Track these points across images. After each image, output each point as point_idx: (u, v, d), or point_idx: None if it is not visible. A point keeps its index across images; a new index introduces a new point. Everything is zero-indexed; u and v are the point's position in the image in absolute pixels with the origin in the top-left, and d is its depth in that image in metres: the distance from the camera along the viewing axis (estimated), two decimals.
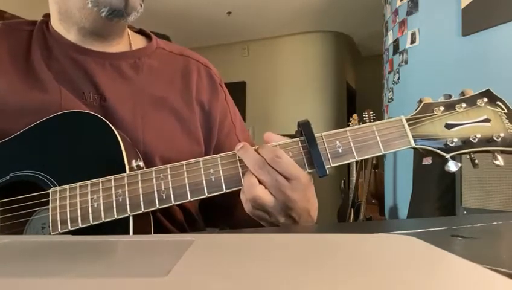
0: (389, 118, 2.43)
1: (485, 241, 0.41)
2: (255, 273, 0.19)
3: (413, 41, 2.40)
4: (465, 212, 1.46)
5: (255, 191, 0.45)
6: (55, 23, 0.61)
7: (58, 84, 0.56)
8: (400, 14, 2.54)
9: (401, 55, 2.52)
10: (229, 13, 4.05)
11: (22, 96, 0.55)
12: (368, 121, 2.88)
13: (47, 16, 0.64)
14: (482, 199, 1.41)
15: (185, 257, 0.22)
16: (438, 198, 1.86)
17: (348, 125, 3.31)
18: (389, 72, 2.74)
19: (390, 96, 2.71)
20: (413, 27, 2.40)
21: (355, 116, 3.16)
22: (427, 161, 1.97)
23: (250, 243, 0.28)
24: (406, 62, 2.47)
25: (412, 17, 2.42)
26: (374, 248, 0.26)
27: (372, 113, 2.89)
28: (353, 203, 3.00)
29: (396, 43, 2.59)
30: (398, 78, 2.57)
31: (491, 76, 1.91)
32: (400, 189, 2.59)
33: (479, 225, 0.51)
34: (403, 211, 2.46)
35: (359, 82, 5.58)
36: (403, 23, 2.49)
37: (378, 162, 3.26)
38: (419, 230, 0.46)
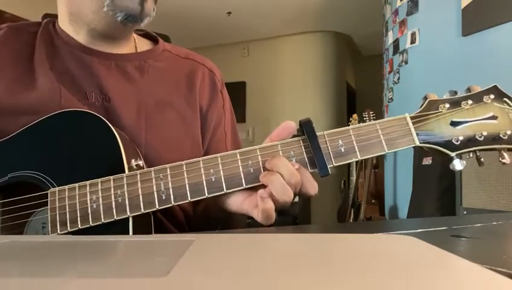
0: None
1: (485, 241, 0.41)
2: (255, 273, 0.19)
3: (413, 41, 2.40)
4: (465, 212, 1.46)
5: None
6: (64, 24, 0.61)
7: (58, 84, 0.56)
8: (399, 14, 2.54)
9: (401, 55, 2.52)
10: (229, 13, 4.05)
11: (19, 96, 0.54)
12: (368, 121, 2.88)
13: (48, 16, 0.64)
14: (482, 199, 1.41)
15: (185, 257, 0.22)
16: (438, 198, 1.86)
17: (348, 125, 3.32)
18: (389, 72, 2.74)
19: (390, 96, 2.71)
20: (413, 27, 2.40)
21: (355, 116, 3.16)
22: (427, 161, 1.97)
23: (250, 243, 0.28)
24: (406, 62, 2.47)
25: (412, 17, 2.42)
26: (374, 248, 0.26)
27: (372, 113, 2.89)
28: (353, 203, 3.00)
29: (396, 43, 2.59)
30: (398, 78, 2.57)
31: (491, 76, 1.91)
32: (400, 189, 2.59)
33: (479, 225, 0.51)
34: (403, 211, 2.46)
35: (359, 82, 5.58)
36: (403, 23, 2.49)
37: (378, 162, 3.26)
38: (419, 230, 0.46)
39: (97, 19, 0.57)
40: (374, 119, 2.85)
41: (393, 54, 2.63)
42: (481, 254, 0.35)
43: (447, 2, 2.17)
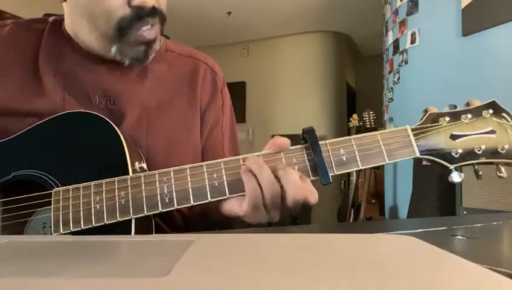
0: (389, 118, 2.40)
1: (485, 241, 0.41)
2: (254, 273, 0.19)
3: (413, 41, 2.40)
4: (465, 212, 1.46)
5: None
6: (69, 28, 0.60)
7: (62, 88, 0.56)
8: (399, 14, 2.54)
9: (401, 55, 2.52)
10: (229, 13, 4.05)
11: (27, 98, 0.55)
12: (368, 121, 2.88)
13: (48, 16, 0.64)
14: (482, 199, 1.41)
15: (185, 257, 0.22)
16: (438, 198, 1.86)
17: (348, 125, 3.32)
18: (389, 72, 2.74)
19: (390, 96, 2.71)
20: (413, 27, 2.40)
21: (355, 116, 3.16)
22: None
23: (250, 243, 0.28)
24: (406, 62, 2.47)
25: (412, 17, 2.42)
26: (374, 248, 0.26)
27: (372, 113, 2.89)
28: (353, 203, 3.00)
29: (396, 43, 2.59)
30: (398, 78, 2.56)
31: (490, 76, 1.91)
32: (400, 189, 2.59)
33: (479, 225, 0.51)
34: (403, 211, 2.46)
35: (359, 82, 5.58)
36: (403, 23, 2.49)
37: None
38: (419, 230, 0.46)
39: (102, 50, 0.58)
40: (374, 119, 2.87)
41: (393, 54, 2.63)
42: (481, 254, 0.35)
43: (447, 2, 2.17)
